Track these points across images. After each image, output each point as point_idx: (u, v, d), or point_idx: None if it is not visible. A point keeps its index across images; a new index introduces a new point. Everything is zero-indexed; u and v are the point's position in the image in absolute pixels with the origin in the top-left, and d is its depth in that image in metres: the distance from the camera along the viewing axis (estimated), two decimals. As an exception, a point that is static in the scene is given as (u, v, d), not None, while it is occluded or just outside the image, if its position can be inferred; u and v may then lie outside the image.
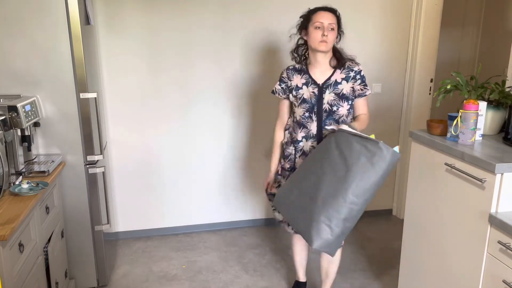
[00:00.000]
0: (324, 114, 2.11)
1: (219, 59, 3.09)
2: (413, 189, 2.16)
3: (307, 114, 2.13)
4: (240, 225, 3.43)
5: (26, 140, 2.10)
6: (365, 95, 2.16)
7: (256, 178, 3.35)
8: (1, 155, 1.72)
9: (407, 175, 2.24)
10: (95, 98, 2.32)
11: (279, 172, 2.29)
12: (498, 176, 1.59)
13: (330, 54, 2.12)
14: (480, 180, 1.66)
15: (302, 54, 2.19)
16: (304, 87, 2.13)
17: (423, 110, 3.42)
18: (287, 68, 2.20)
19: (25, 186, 1.83)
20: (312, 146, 2.15)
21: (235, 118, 3.22)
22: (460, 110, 1.83)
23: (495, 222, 1.60)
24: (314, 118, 2.12)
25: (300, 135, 2.17)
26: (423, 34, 3.27)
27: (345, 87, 2.11)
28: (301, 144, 2.17)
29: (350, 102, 2.14)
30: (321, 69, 2.13)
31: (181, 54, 3.03)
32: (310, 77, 2.13)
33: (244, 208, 3.42)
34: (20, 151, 2.06)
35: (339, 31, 2.12)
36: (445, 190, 1.91)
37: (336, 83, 2.11)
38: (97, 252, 2.46)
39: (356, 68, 2.13)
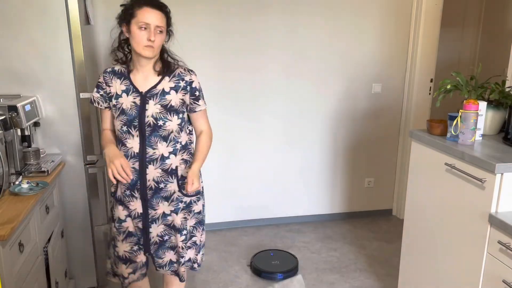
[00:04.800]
0: (148, 129, 1.75)
1: (221, 64, 3.10)
2: (413, 189, 2.16)
3: (125, 128, 1.77)
4: (240, 225, 3.43)
5: (26, 140, 2.10)
6: (196, 111, 1.83)
7: (254, 179, 3.36)
8: (1, 155, 1.72)
9: (407, 175, 2.24)
10: (95, 98, 2.32)
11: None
12: (498, 176, 1.59)
13: (156, 57, 1.78)
14: (480, 180, 1.66)
15: (129, 52, 1.81)
16: (124, 95, 1.77)
17: (423, 110, 3.42)
18: (105, 71, 1.82)
19: (25, 186, 1.83)
20: (133, 167, 1.78)
21: (226, 116, 3.23)
22: (460, 110, 1.83)
23: (495, 222, 1.60)
24: (134, 133, 1.76)
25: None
26: (423, 34, 3.28)
27: (174, 98, 1.77)
28: None
29: (181, 115, 1.80)
30: (144, 75, 1.78)
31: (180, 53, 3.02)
32: (132, 83, 1.77)
33: (244, 208, 3.42)
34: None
35: (168, 30, 1.78)
36: (445, 190, 1.91)
37: (164, 92, 1.76)
38: (97, 252, 2.46)
39: (187, 78, 1.80)
